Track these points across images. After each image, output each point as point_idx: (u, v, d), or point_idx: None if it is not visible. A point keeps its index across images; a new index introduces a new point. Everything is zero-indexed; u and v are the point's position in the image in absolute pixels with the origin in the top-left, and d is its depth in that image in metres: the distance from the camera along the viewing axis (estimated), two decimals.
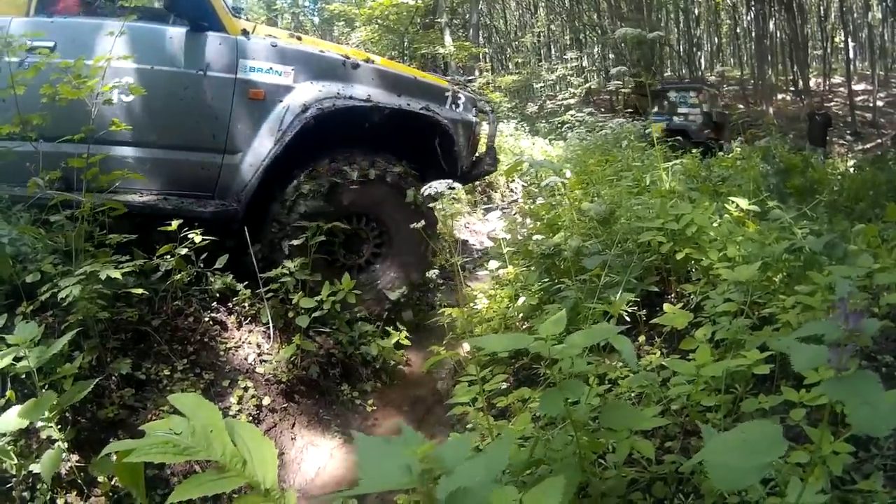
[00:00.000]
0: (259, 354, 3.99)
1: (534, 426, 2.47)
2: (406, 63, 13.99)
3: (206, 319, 3.91)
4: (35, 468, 2.59)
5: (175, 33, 4.29)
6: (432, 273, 4.53)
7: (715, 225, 3.57)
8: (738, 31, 40.83)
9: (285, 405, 3.85)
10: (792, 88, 35.33)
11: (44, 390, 2.65)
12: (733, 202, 3.96)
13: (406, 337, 4.67)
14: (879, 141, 25.03)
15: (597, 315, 3.06)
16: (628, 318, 3.26)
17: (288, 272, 4.13)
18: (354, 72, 4.72)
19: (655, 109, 18.08)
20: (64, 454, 2.68)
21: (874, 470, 1.99)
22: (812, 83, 34.93)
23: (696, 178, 5.51)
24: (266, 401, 3.74)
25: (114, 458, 2.33)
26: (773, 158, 7.03)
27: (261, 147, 4.41)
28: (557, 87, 33.33)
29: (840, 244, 3.08)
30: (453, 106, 5.29)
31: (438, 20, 21.05)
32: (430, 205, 4.65)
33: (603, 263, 3.43)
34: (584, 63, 36.69)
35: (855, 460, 1.96)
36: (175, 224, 3.73)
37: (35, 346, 2.63)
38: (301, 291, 4.15)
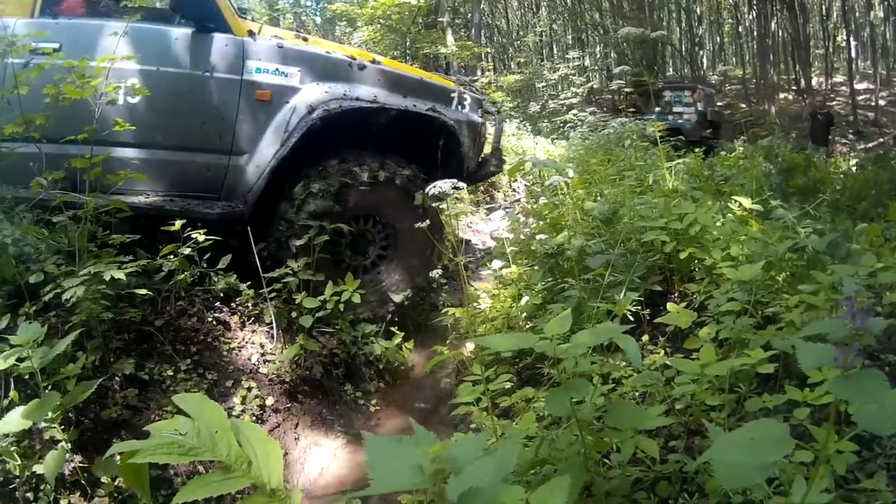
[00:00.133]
0: (262, 354, 3.99)
1: (538, 426, 2.47)
2: (408, 63, 13.98)
3: (210, 319, 3.91)
4: (38, 469, 2.58)
5: (181, 34, 4.29)
6: (435, 273, 4.53)
7: (718, 224, 3.57)
8: (740, 30, 40.78)
9: (289, 405, 3.86)
10: (794, 87, 35.28)
11: (47, 391, 2.65)
12: (736, 201, 3.95)
13: (408, 342, 4.68)
14: (882, 140, 25.01)
15: (600, 314, 3.05)
16: (632, 318, 3.26)
17: (291, 272, 4.13)
18: (360, 73, 4.71)
19: (658, 109, 18.09)
20: (67, 455, 2.69)
21: (877, 469, 1.98)
22: (814, 82, 34.87)
23: (699, 178, 5.50)
24: (269, 401, 3.74)
25: (118, 458, 2.34)
26: (775, 158, 7.05)
27: (267, 148, 4.40)
28: (560, 87, 33.33)
29: (843, 243, 3.07)
30: (459, 107, 5.29)
31: (440, 20, 21.05)
32: (434, 204, 4.65)
33: (606, 263, 3.42)
34: (587, 62, 36.64)
35: (858, 459, 1.96)
36: (178, 224, 3.73)
37: (38, 347, 2.63)
38: (305, 291, 4.15)
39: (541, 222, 4.87)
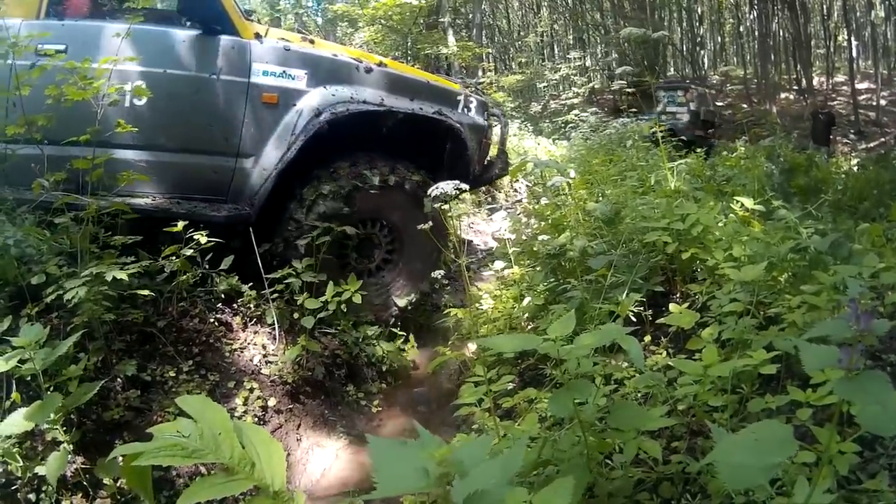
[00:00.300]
0: (264, 355, 3.99)
1: (540, 427, 2.47)
2: (409, 63, 13.98)
3: (212, 320, 3.91)
4: (40, 470, 2.59)
5: (188, 37, 4.29)
6: (437, 273, 4.53)
7: (720, 225, 3.57)
8: (741, 30, 40.73)
9: (291, 406, 3.86)
10: (795, 87, 35.23)
11: (49, 392, 2.65)
12: (738, 202, 3.95)
13: (411, 343, 4.68)
14: (883, 140, 24.98)
15: (603, 315, 3.05)
16: (634, 319, 3.25)
17: (294, 273, 4.13)
18: (367, 76, 4.71)
19: (659, 108, 18.15)
20: (69, 456, 2.69)
21: (880, 469, 1.99)
22: (815, 82, 34.83)
23: (701, 178, 5.50)
24: (271, 402, 3.74)
25: (120, 460, 2.34)
26: (777, 158, 7.04)
27: (273, 151, 4.40)
28: (561, 87, 33.29)
29: (845, 244, 3.07)
30: (465, 110, 5.29)
31: (441, 20, 21.06)
32: (437, 205, 4.64)
33: (608, 263, 3.42)
34: (588, 63, 36.59)
35: (860, 460, 1.96)
36: (180, 225, 3.73)
37: (40, 348, 2.63)
38: (307, 292, 4.15)
39: (543, 223, 4.87)
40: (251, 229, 4.22)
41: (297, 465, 3.59)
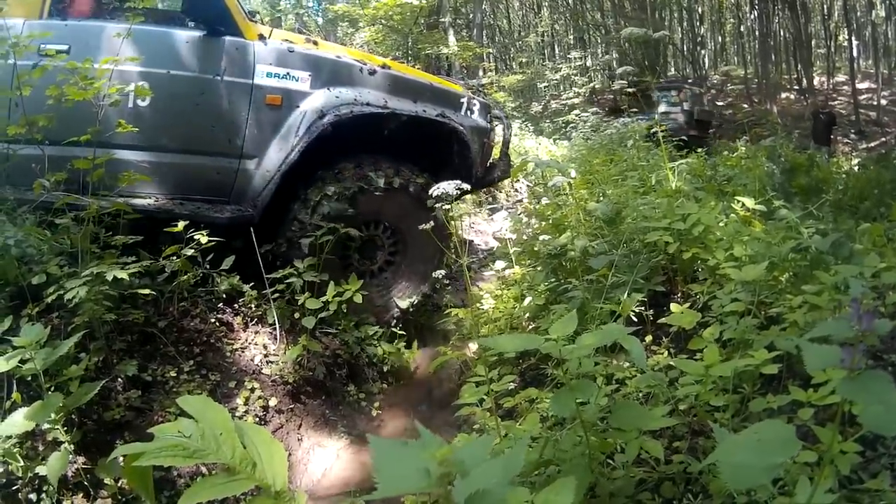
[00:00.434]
0: (265, 355, 3.99)
1: (541, 426, 2.47)
2: (410, 63, 13.99)
3: (213, 320, 3.92)
4: (41, 470, 2.59)
5: (191, 37, 4.28)
6: (438, 273, 4.53)
7: (721, 224, 3.56)
8: (741, 29, 40.70)
9: (292, 406, 3.86)
10: (796, 87, 35.18)
11: (50, 392, 2.66)
12: (739, 202, 3.95)
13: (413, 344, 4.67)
14: (884, 139, 24.95)
15: (604, 315, 3.05)
16: (635, 318, 3.25)
17: (296, 273, 4.13)
18: (370, 77, 4.71)
19: (661, 109, 18.15)
20: (70, 456, 2.69)
21: (881, 469, 1.99)
22: (816, 82, 34.78)
23: (702, 178, 5.49)
24: (272, 402, 3.74)
25: (121, 460, 2.34)
26: (778, 158, 7.03)
27: (277, 153, 4.40)
28: (561, 87, 33.27)
29: (846, 243, 3.07)
30: (468, 112, 5.29)
31: (442, 20, 21.06)
32: (437, 206, 4.64)
33: (609, 263, 3.42)
34: (588, 62, 36.56)
35: (862, 460, 1.96)
36: (181, 225, 3.73)
37: (41, 348, 2.63)
38: (308, 292, 4.15)
39: (543, 223, 4.87)
40: (252, 229, 4.21)
41: (298, 465, 3.60)
